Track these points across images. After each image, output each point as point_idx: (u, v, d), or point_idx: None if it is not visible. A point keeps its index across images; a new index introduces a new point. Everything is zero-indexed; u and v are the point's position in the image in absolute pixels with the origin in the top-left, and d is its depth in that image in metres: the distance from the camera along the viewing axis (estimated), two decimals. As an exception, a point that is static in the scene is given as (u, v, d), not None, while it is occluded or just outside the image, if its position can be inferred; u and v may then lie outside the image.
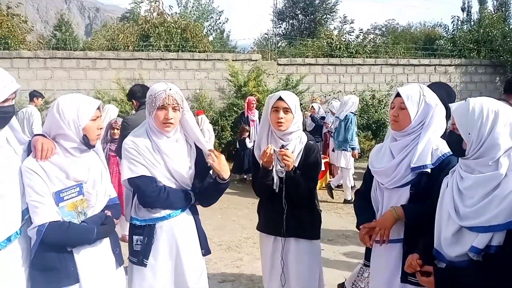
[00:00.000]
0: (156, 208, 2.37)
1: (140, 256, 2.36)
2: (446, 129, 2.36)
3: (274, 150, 2.61)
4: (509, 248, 1.67)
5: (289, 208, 2.66)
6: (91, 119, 2.12)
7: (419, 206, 2.20)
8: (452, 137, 1.95)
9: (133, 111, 4.84)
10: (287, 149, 2.61)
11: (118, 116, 6.28)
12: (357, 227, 2.47)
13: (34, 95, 8.52)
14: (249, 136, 9.03)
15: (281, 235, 2.72)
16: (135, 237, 2.40)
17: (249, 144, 8.79)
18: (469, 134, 1.82)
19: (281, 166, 2.63)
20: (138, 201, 2.39)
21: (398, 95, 2.31)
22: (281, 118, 2.61)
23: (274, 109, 2.65)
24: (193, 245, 2.48)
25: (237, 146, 9.35)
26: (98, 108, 2.18)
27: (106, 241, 2.20)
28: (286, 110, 2.63)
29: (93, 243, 2.08)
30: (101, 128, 2.21)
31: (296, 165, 2.65)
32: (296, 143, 2.70)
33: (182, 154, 2.45)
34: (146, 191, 2.32)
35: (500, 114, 1.77)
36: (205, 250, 2.55)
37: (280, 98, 2.64)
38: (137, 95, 4.40)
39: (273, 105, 2.66)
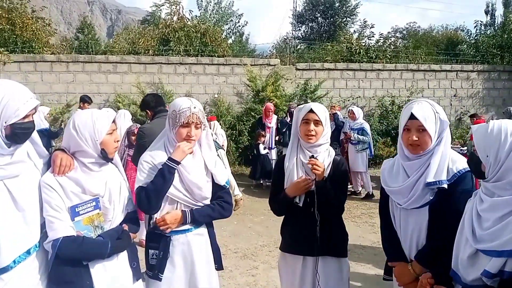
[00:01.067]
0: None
1: (155, 270, 2.38)
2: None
3: (302, 163, 2.56)
4: None
5: (320, 222, 2.54)
6: (108, 133, 2.15)
7: (433, 245, 2.13)
8: (472, 159, 1.92)
9: (148, 120, 4.89)
10: (317, 158, 2.54)
11: (135, 120, 6.41)
12: (387, 260, 2.45)
13: (83, 99, 8.87)
14: (263, 142, 9.05)
15: (313, 254, 2.56)
16: (150, 251, 2.41)
17: (263, 151, 8.83)
18: (487, 156, 1.79)
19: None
20: None
21: (412, 117, 2.17)
22: (312, 130, 2.55)
23: (304, 121, 2.59)
24: (208, 260, 2.49)
25: (254, 151, 9.39)
26: (114, 121, 2.21)
27: (124, 255, 2.22)
28: (317, 122, 2.56)
29: (108, 257, 2.10)
30: (118, 141, 2.23)
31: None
32: (324, 156, 2.62)
33: (199, 167, 2.46)
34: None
35: None
36: (218, 265, 2.56)
37: (311, 111, 2.57)
38: (150, 105, 4.45)
39: (303, 117, 2.60)
